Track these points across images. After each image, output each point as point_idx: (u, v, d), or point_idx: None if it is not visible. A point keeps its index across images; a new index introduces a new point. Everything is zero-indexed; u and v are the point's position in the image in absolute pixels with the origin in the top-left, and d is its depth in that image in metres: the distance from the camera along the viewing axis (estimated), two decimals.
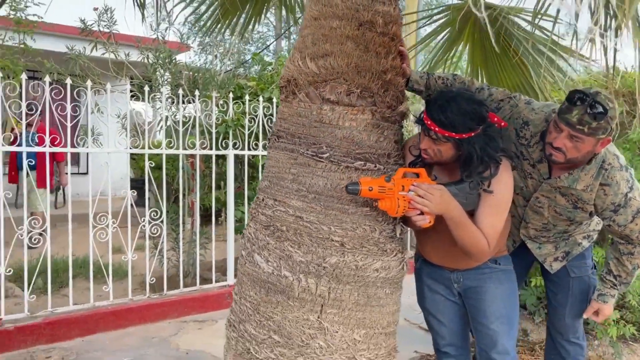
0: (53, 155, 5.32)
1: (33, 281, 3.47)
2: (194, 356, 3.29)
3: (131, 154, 4.40)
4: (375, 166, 1.98)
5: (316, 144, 1.96)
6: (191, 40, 9.31)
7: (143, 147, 4.03)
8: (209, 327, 3.82)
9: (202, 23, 3.22)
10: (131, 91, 3.95)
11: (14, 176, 6.41)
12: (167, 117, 3.98)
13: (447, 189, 1.91)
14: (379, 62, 2.00)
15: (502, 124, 1.94)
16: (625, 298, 3.06)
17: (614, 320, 2.98)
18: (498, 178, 1.96)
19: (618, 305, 3.10)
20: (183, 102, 4.05)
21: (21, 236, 3.38)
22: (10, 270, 3.36)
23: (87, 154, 8.60)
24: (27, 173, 3.56)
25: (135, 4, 2.85)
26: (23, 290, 3.48)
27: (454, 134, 1.84)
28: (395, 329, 2.15)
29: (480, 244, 1.93)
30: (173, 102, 4.10)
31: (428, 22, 2.99)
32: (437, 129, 1.85)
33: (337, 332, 1.93)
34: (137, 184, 7.60)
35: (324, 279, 1.91)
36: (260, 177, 4.61)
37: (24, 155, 3.44)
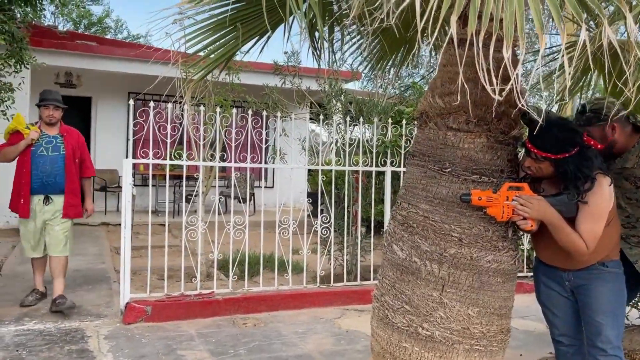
0: (78, 166, 4.51)
1: (234, 268, 4.53)
2: (352, 334, 4.02)
3: (308, 172, 5.35)
4: (489, 179, 2.51)
5: (441, 161, 2.56)
6: (362, 67, 10.30)
7: (317, 165, 4.93)
8: (366, 315, 4.53)
9: (365, 63, 3.98)
10: (310, 118, 4.89)
11: (22, 206, 4.32)
12: (336, 140, 4.83)
13: (547, 200, 2.37)
14: (493, 97, 2.53)
15: (599, 146, 2.35)
16: None
17: None
18: (593, 191, 2.36)
19: None
20: (350, 126, 4.87)
21: (229, 230, 4.47)
22: (220, 255, 4.46)
23: (274, 170, 10.02)
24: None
25: (314, 52, 3.70)
26: (227, 276, 4.57)
27: (550, 154, 2.31)
28: (509, 313, 2.60)
29: (577, 245, 2.35)
30: (343, 126, 4.95)
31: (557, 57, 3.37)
32: (535, 150, 2.34)
33: (454, 307, 2.48)
34: (312, 197, 8.74)
35: (445, 265, 2.49)
36: None
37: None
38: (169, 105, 4.50)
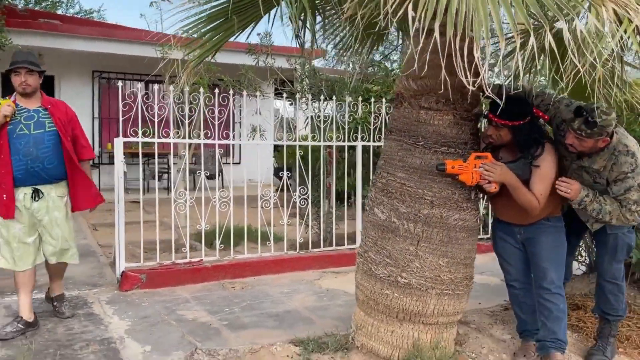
0: (72, 147, 3.60)
1: (220, 238, 4.87)
2: (332, 292, 4.47)
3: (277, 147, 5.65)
4: (456, 150, 2.97)
5: (415, 136, 2.99)
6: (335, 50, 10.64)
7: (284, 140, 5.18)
8: (342, 276, 4.99)
9: (340, 46, 4.34)
10: (281, 94, 5.21)
11: (5, 204, 3.39)
12: (312, 117, 5.20)
13: (507, 165, 2.85)
14: (459, 81, 2.97)
15: (546, 117, 2.86)
16: None
17: None
18: (543, 157, 2.86)
19: None
20: (324, 104, 5.25)
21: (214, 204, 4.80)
22: (208, 226, 4.79)
23: (240, 146, 10.29)
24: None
25: (296, 38, 3.99)
26: (209, 247, 4.91)
27: (508, 121, 2.80)
28: (472, 263, 3.10)
29: (532, 202, 2.84)
30: (317, 104, 5.32)
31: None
32: (496, 119, 2.81)
33: (427, 258, 2.95)
34: (279, 172, 9.05)
35: (419, 224, 2.94)
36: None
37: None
38: (139, 84, 4.69)
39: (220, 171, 7.76)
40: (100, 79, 10.71)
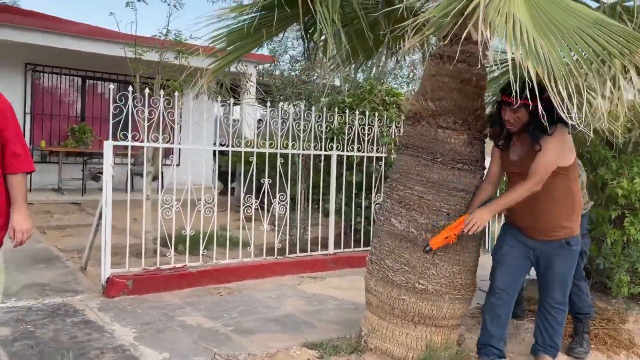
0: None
1: (205, 243, 4.84)
2: (318, 297, 4.62)
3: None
4: (469, 167, 3.26)
5: (433, 152, 3.25)
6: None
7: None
8: (320, 281, 5.16)
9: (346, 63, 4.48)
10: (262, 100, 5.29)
11: None
12: (292, 125, 5.32)
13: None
14: (473, 104, 3.27)
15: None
16: (635, 266, 4.22)
17: (626, 282, 4.17)
18: (553, 136, 2.96)
19: (630, 271, 4.26)
20: (305, 112, 5.40)
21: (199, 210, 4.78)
22: (192, 232, 4.76)
23: (180, 150, 10.06)
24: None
25: (305, 51, 4.07)
26: (173, 252, 4.86)
27: (526, 100, 2.65)
28: (476, 269, 3.40)
29: (521, 192, 2.98)
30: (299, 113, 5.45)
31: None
32: (513, 100, 2.88)
33: (443, 266, 3.21)
34: (223, 177, 8.97)
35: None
36: (353, 173, 5.93)
37: None
38: (111, 85, 4.44)
39: (162, 172, 7.28)
40: (33, 72, 10.06)
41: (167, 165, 9.71)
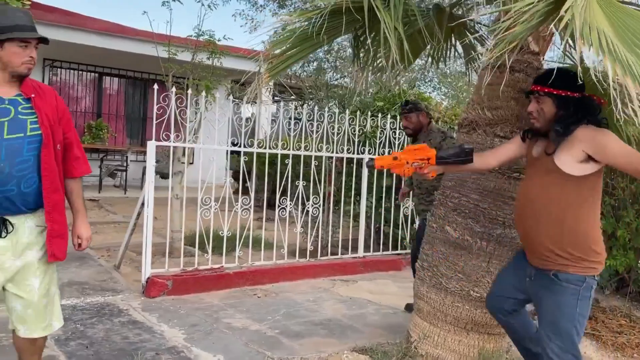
0: (61, 156, 2.37)
1: (240, 244, 4.85)
2: (355, 300, 4.64)
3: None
4: (521, 175, 3.28)
5: None
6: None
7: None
8: (352, 284, 5.17)
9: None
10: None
11: None
12: (326, 128, 5.33)
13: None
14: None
15: (603, 102, 2.49)
16: None
17: None
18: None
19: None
20: (340, 116, 5.41)
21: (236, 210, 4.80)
22: (230, 233, 4.77)
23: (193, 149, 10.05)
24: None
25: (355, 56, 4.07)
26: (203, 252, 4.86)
27: (553, 89, 2.43)
28: None
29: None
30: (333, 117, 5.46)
31: None
32: (539, 87, 2.51)
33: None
34: (237, 177, 8.92)
35: (492, 243, 3.21)
36: (383, 176, 5.94)
37: None
38: (155, 86, 4.50)
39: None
40: (51, 67, 10.05)
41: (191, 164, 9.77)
